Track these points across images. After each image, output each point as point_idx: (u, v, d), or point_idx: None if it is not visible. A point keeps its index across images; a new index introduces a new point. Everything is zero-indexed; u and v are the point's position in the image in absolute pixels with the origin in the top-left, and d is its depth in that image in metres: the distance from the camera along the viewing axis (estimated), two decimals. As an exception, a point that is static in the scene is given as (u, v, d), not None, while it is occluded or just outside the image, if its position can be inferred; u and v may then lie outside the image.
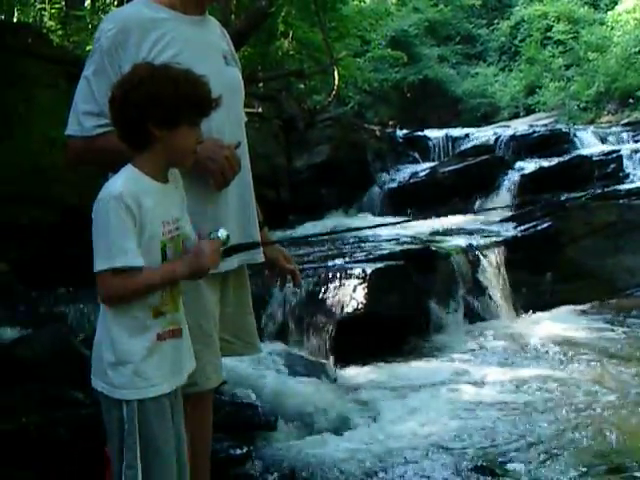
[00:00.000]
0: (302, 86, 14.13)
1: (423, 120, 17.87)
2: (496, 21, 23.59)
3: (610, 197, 7.84)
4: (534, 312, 6.35)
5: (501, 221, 8.03)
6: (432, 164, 10.94)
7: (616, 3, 20.75)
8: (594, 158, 9.68)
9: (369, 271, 5.54)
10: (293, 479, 3.40)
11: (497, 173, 9.92)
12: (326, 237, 7.35)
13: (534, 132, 11.53)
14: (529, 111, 19.45)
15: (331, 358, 5.08)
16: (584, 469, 3.39)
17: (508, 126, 14.42)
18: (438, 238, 7.20)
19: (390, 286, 5.63)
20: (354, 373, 4.91)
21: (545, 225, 7.15)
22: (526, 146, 10.75)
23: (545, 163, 9.75)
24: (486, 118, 19.77)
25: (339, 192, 10.13)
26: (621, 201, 7.67)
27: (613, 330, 5.76)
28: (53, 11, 10.62)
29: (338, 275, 5.56)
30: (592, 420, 3.99)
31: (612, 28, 19.57)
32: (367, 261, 5.94)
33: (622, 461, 3.47)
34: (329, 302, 5.42)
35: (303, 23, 13.30)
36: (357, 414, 4.17)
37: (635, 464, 3.42)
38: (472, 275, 6.39)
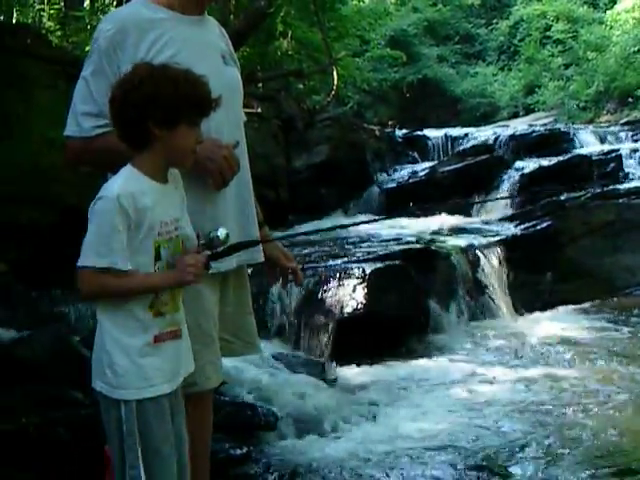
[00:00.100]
0: (301, 86, 14.11)
1: (422, 120, 17.85)
2: (495, 21, 23.59)
3: (609, 196, 7.85)
4: (533, 311, 6.36)
5: (500, 221, 8.03)
6: (431, 164, 10.92)
7: (615, 2, 20.75)
8: (593, 157, 9.67)
9: (369, 271, 5.54)
10: (293, 479, 3.40)
11: (496, 173, 9.91)
12: (325, 237, 7.34)
13: (533, 132, 11.52)
14: (528, 111, 19.45)
15: (331, 358, 5.08)
16: (589, 469, 3.39)
17: (507, 126, 14.43)
18: (438, 238, 7.20)
19: (390, 286, 5.63)
20: (354, 373, 4.91)
21: (544, 225, 7.16)
22: (525, 145, 10.74)
23: (544, 162, 9.74)
24: (485, 118, 19.77)
25: (338, 192, 10.13)
26: (620, 200, 7.68)
27: (613, 329, 5.77)
28: (52, 12, 10.63)
29: (338, 275, 5.56)
30: (595, 419, 3.99)
31: (611, 27, 19.57)
32: (367, 261, 5.94)
33: (628, 461, 3.47)
34: (329, 302, 5.42)
35: (302, 23, 13.29)
36: (357, 414, 4.17)
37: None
38: (472, 275, 6.39)
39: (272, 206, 7.04)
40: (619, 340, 5.47)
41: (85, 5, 11.37)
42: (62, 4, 10.78)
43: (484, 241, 6.86)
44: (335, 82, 12.34)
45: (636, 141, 10.61)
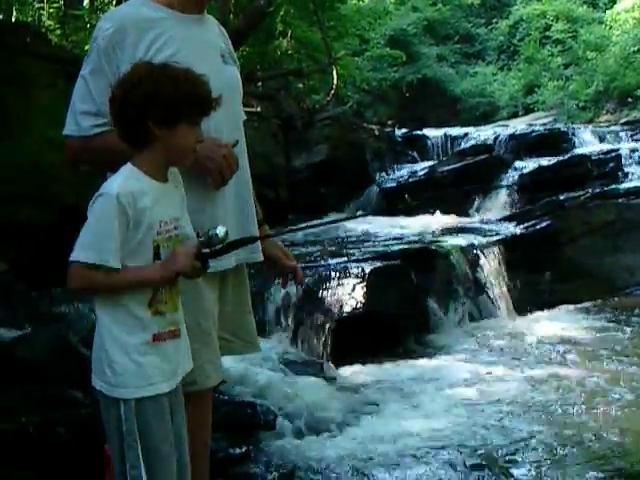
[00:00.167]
0: (301, 85, 14.12)
1: (422, 119, 17.84)
2: (495, 20, 23.58)
3: (609, 196, 7.83)
4: (533, 311, 6.35)
5: (500, 220, 8.03)
6: (431, 163, 10.92)
7: (615, 2, 20.75)
8: (593, 157, 9.67)
9: (368, 270, 5.54)
10: (292, 478, 3.40)
11: (496, 172, 9.90)
12: (325, 236, 7.34)
13: (533, 131, 11.52)
14: (528, 110, 19.44)
15: (330, 357, 5.08)
16: (590, 469, 3.39)
17: (507, 125, 14.41)
18: (437, 237, 7.20)
19: (389, 285, 5.63)
20: (353, 372, 4.91)
21: (544, 224, 7.15)
22: (525, 145, 10.74)
23: (544, 162, 9.73)
24: (485, 117, 19.76)
25: (338, 191, 10.13)
26: (620, 200, 7.67)
27: (614, 329, 5.77)
28: (52, 10, 10.64)
29: (337, 274, 5.56)
30: (597, 419, 3.99)
31: (611, 27, 19.56)
32: (366, 260, 5.94)
33: (631, 462, 3.46)
34: (328, 301, 5.42)
35: (302, 22, 13.29)
36: (356, 413, 4.17)
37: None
38: (471, 274, 6.39)
39: (271, 205, 7.04)
40: (620, 340, 5.46)
41: (84, 4, 11.36)
42: (61, 3, 10.78)
43: (484, 241, 6.85)
44: (335, 81, 12.34)
45: (636, 141, 10.60)
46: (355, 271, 5.55)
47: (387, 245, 6.72)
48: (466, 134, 11.88)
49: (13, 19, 10.07)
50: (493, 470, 3.41)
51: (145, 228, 1.95)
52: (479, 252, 6.56)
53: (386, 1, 22.54)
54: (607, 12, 20.62)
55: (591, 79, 17.97)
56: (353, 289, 5.41)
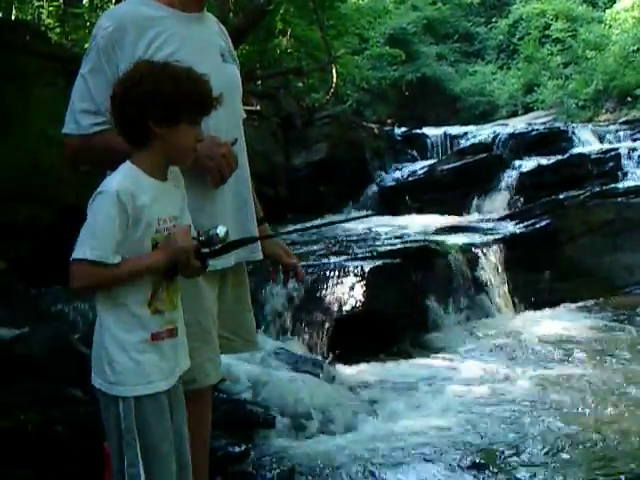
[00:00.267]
0: (300, 84, 14.12)
1: (421, 118, 17.83)
2: (494, 19, 23.56)
3: (608, 195, 7.84)
4: (533, 310, 6.35)
5: (499, 219, 8.03)
6: (430, 162, 10.93)
7: (614, 1, 20.72)
8: (592, 156, 9.67)
9: (367, 269, 5.54)
10: (291, 477, 3.40)
11: (495, 171, 9.91)
12: (324, 235, 7.34)
13: (532, 130, 11.52)
14: (527, 109, 19.42)
15: (329, 356, 5.08)
16: (591, 470, 3.38)
17: (506, 124, 14.39)
18: (436, 236, 7.20)
19: (388, 284, 5.63)
20: (352, 371, 4.90)
21: (543, 223, 7.15)
22: (524, 144, 10.74)
23: (543, 161, 9.74)
24: (484, 116, 19.74)
25: (337, 190, 10.13)
26: (619, 199, 7.67)
27: (613, 328, 5.76)
28: (51, 9, 10.63)
29: (336, 273, 5.56)
30: (597, 418, 3.98)
31: (610, 26, 19.55)
32: (365, 259, 5.94)
33: (633, 462, 3.44)
34: (327, 300, 5.42)
35: (301, 21, 13.28)
36: (355, 412, 4.16)
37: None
38: (470, 273, 6.38)
39: (271, 204, 7.00)
40: (620, 339, 5.46)
41: (84, 2, 11.36)
42: (61, 1, 10.77)
43: (483, 240, 6.85)
44: (334, 80, 12.34)
45: (635, 140, 10.59)
46: (355, 270, 5.55)
47: (386, 244, 6.72)
48: (466, 133, 11.88)
49: (13, 17, 10.07)
50: (494, 470, 3.40)
51: (144, 226, 1.95)
52: (479, 251, 6.56)
53: (386, 0, 22.52)
54: (607, 11, 20.60)
55: (590, 78, 17.96)
56: (352, 288, 5.42)
